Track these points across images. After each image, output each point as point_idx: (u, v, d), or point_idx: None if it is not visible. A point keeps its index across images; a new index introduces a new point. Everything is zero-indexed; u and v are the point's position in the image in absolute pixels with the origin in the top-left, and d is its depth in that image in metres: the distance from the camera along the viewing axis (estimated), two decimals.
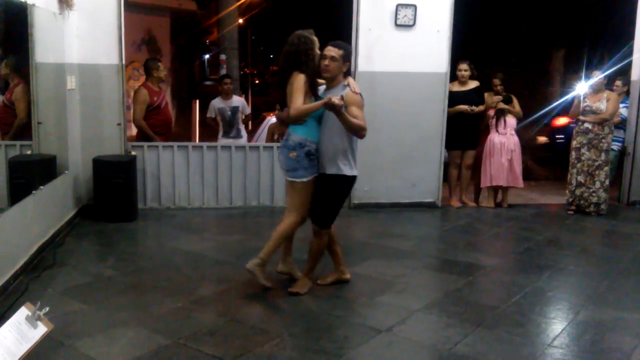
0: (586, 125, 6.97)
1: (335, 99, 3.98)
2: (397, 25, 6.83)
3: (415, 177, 7.16)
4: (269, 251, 4.35)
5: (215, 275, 4.78)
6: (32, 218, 4.91)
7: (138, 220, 6.36)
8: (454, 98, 7.13)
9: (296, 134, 4.26)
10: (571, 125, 8.13)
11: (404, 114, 6.99)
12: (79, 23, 6.16)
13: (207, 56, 23.48)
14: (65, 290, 4.36)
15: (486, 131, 7.36)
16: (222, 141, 7.45)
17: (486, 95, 7.34)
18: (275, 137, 7.74)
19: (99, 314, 3.99)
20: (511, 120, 7.26)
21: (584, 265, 5.41)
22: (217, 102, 7.71)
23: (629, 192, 7.69)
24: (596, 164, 6.98)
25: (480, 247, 6.11)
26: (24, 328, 2.22)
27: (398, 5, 6.77)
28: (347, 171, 4.30)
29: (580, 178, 7.05)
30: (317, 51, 4.28)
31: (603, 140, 6.96)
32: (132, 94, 7.33)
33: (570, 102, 7.28)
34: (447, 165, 7.33)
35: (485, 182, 7.35)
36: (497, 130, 7.25)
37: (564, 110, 10.05)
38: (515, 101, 7.32)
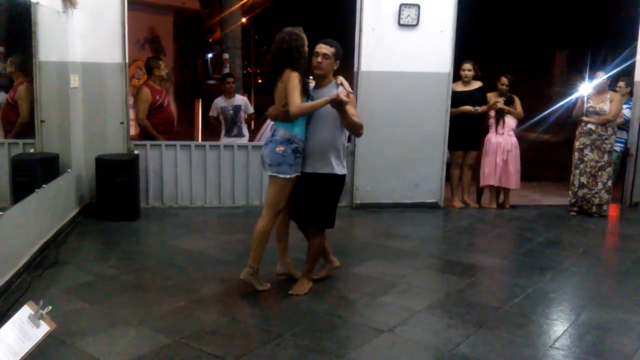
0: (589, 126, 6.96)
1: (343, 95, 3.97)
2: (400, 25, 6.83)
3: (417, 177, 7.15)
4: (257, 256, 4.32)
5: (217, 274, 4.79)
6: (35, 216, 4.92)
7: (140, 219, 6.36)
8: (458, 98, 7.12)
9: (285, 130, 4.21)
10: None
11: (407, 114, 6.98)
12: (83, 21, 6.16)
13: (210, 55, 23.45)
14: (68, 288, 4.37)
15: (487, 131, 7.36)
16: (224, 140, 7.45)
17: (489, 95, 7.33)
18: None
19: (101, 312, 4.00)
20: (510, 121, 7.24)
21: (586, 267, 5.40)
22: (219, 101, 7.71)
23: (632, 193, 7.68)
24: (599, 165, 6.97)
25: (482, 247, 6.11)
26: (26, 327, 2.22)
27: (401, 5, 6.76)
28: (340, 170, 4.31)
29: (583, 179, 7.04)
30: (306, 49, 4.24)
31: (606, 142, 6.95)
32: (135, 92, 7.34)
33: (574, 103, 7.26)
34: (449, 166, 7.32)
35: (481, 182, 7.36)
36: (495, 131, 7.25)
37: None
38: (517, 102, 7.31)
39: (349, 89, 4.29)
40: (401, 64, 6.90)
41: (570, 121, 7.46)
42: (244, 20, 17.31)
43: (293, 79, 4.11)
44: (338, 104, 4.01)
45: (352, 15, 6.89)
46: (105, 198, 6.22)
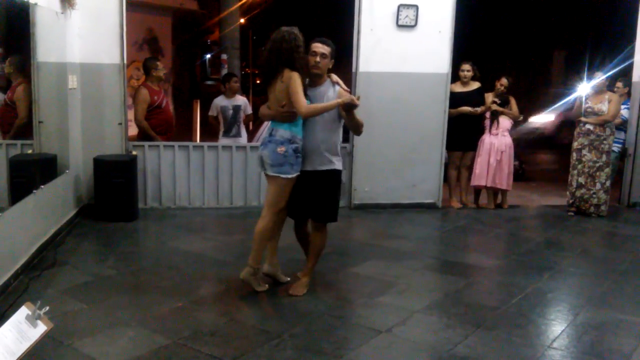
0: (588, 126, 6.97)
1: (355, 99, 4.02)
2: (398, 25, 6.83)
3: (415, 178, 7.16)
4: (257, 256, 4.33)
5: (216, 275, 4.79)
6: (33, 217, 4.91)
7: (138, 219, 6.36)
8: (456, 99, 7.12)
9: (285, 130, 4.20)
10: None
11: (405, 114, 6.99)
12: (81, 22, 6.16)
13: (208, 56, 23.45)
14: (66, 289, 4.36)
15: (484, 132, 7.37)
16: (223, 140, 7.45)
17: (487, 95, 7.34)
18: None
19: (99, 313, 3.99)
20: (505, 122, 7.25)
21: (584, 267, 5.41)
22: (220, 100, 7.71)
23: (630, 193, 7.69)
24: (597, 165, 6.97)
25: (480, 248, 6.11)
26: (24, 327, 2.21)
27: (400, 6, 6.77)
28: (339, 166, 4.38)
29: (581, 179, 7.05)
30: (303, 49, 4.24)
31: (604, 142, 6.95)
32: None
33: (572, 104, 7.27)
34: (447, 166, 7.33)
35: (472, 181, 7.36)
36: (489, 131, 7.25)
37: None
38: (513, 102, 7.32)
39: (345, 87, 4.33)
40: (399, 65, 6.90)
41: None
42: (242, 21, 17.32)
43: (295, 79, 4.10)
44: (351, 107, 4.07)
45: (350, 15, 6.89)
46: (104, 199, 6.21)
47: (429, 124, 7.07)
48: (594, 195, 7.03)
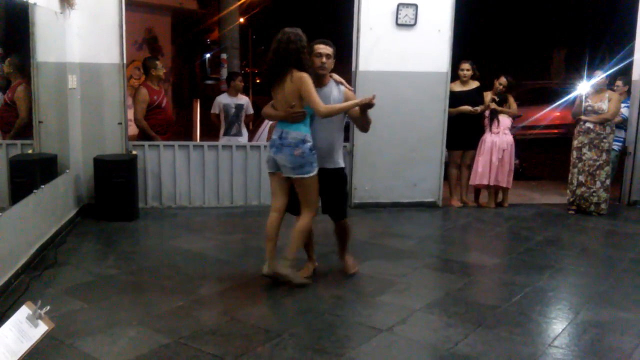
0: (588, 125, 6.97)
1: (372, 99, 4.17)
2: (398, 24, 6.83)
3: (416, 176, 7.16)
4: (294, 251, 4.42)
5: (216, 274, 4.79)
6: (33, 217, 4.91)
7: (139, 219, 6.36)
8: (456, 98, 7.12)
9: (296, 131, 4.25)
10: None
11: (405, 113, 6.98)
12: (80, 22, 6.16)
13: (208, 55, 23.45)
14: (66, 289, 4.36)
15: (484, 131, 7.36)
16: (224, 139, 7.46)
17: (486, 94, 7.34)
18: None
19: (100, 313, 4.00)
20: (505, 120, 7.25)
21: (585, 265, 5.41)
22: (222, 98, 7.72)
23: (630, 192, 7.69)
24: (597, 163, 6.97)
25: (480, 246, 6.12)
26: (24, 327, 2.22)
27: (399, 5, 6.76)
28: (342, 163, 4.55)
29: (581, 178, 7.05)
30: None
31: (604, 140, 6.95)
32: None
33: (572, 102, 7.26)
34: (447, 165, 7.33)
35: (471, 180, 7.36)
36: (490, 130, 7.25)
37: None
38: (511, 100, 7.32)
39: (349, 86, 4.48)
40: (399, 64, 6.90)
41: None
42: (241, 20, 17.32)
43: (307, 80, 4.17)
44: (370, 106, 4.21)
45: (349, 14, 6.89)
46: (104, 198, 6.21)
47: (429, 123, 7.07)
48: (594, 194, 7.03)
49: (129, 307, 4.13)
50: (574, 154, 7.11)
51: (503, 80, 7.30)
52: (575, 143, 7.11)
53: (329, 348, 3.54)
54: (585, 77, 7.17)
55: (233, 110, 7.60)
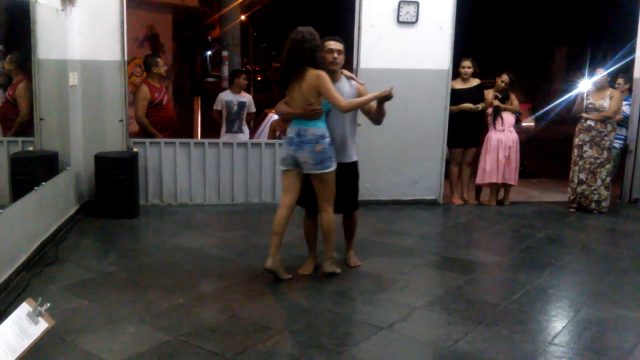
0: (589, 122, 6.96)
1: (391, 91, 4.30)
2: (399, 22, 6.82)
3: (416, 174, 7.15)
4: (332, 248, 4.58)
5: (217, 271, 4.79)
6: (34, 214, 4.92)
7: (139, 216, 6.36)
8: (457, 95, 7.11)
9: (314, 127, 4.34)
10: None
11: (406, 111, 6.96)
12: (82, 19, 6.16)
13: (209, 53, 23.42)
14: (67, 286, 4.37)
15: (486, 129, 7.35)
16: (225, 136, 7.46)
17: (487, 92, 7.33)
18: (277, 134, 7.74)
19: (101, 310, 4.00)
20: (508, 117, 7.24)
21: (585, 263, 5.41)
22: (225, 95, 7.72)
23: (631, 189, 7.68)
24: (598, 161, 6.97)
25: (481, 244, 6.12)
26: (25, 324, 2.22)
27: (400, 2, 6.75)
28: (356, 157, 4.69)
29: (582, 176, 7.05)
30: None
31: (605, 138, 6.95)
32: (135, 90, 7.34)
33: (574, 100, 7.25)
34: (448, 163, 7.32)
35: (479, 179, 7.35)
36: (494, 128, 7.24)
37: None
38: (513, 98, 7.32)
39: (360, 81, 4.64)
40: (400, 61, 6.89)
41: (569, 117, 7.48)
42: (243, 17, 17.31)
43: (325, 78, 4.26)
44: (387, 99, 4.33)
45: (350, 12, 6.88)
46: (105, 196, 6.22)
47: (430, 120, 7.06)
48: (595, 192, 7.03)
49: (130, 304, 4.13)
50: (575, 151, 7.10)
51: (505, 77, 7.29)
52: (576, 141, 7.10)
53: (329, 345, 3.55)
54: (586, 75, 7.16)
55: (235, 107, 7.60)
